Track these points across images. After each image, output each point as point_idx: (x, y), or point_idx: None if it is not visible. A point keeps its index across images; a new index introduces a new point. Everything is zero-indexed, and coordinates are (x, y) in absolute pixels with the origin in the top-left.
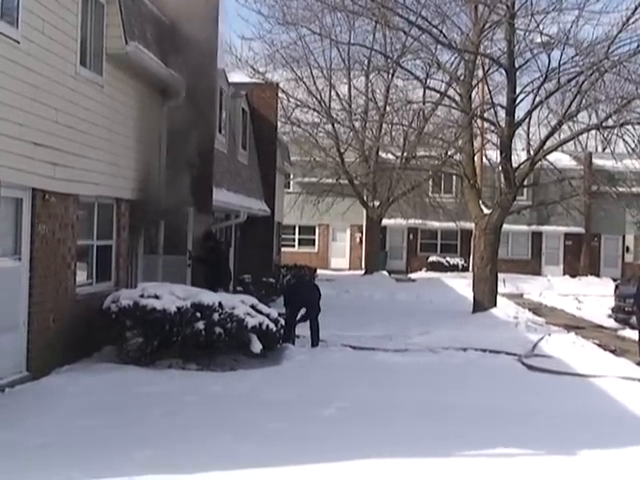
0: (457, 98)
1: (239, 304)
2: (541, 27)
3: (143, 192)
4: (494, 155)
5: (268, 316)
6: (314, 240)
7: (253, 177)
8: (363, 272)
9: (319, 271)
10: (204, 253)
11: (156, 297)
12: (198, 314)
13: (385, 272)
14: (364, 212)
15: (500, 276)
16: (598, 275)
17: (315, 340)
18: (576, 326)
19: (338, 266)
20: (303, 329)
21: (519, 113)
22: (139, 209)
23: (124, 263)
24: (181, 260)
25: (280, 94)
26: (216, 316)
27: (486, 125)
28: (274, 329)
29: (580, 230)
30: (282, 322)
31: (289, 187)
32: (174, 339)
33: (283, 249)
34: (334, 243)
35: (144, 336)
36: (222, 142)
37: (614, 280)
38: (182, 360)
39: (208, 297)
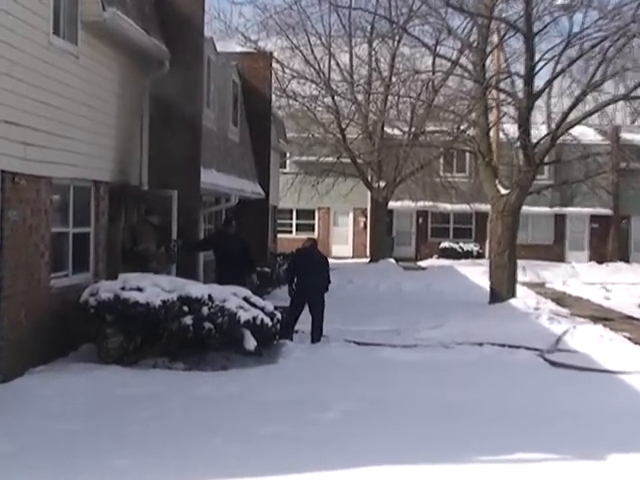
0: (470, 67)
1: (231, 296)
2: None
3: (124, 174)
4: (511, 129)
5: (263, 309)
6: (313, 225)
7: (245, 156)
8: (368, 260)
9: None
10: (203, 241)
11: (139, 289)
12: (185, 308)
13: (392, 260)
14: (368, 194)
15: (519, 263)
16: (627, 261)
17: (316, 335)
18: (604, 317)
19: (340, 254)
20: (303, 323)
21: (538, 83)
22: (119, 193)
23: (103, 252)
24: (163, 251)
25: (274, 64)
26: (205, 310)
27: (502, 96)
28: (270, 324)
29: (607, 211)
30: (278, 316)
31: (285, 167)
32: (159, 336)
33: (279, 235)
34: (336, 228)
35: (126, 333)
36: (210, 118)
37: None
38: (168, 359)
39: (196, 289)
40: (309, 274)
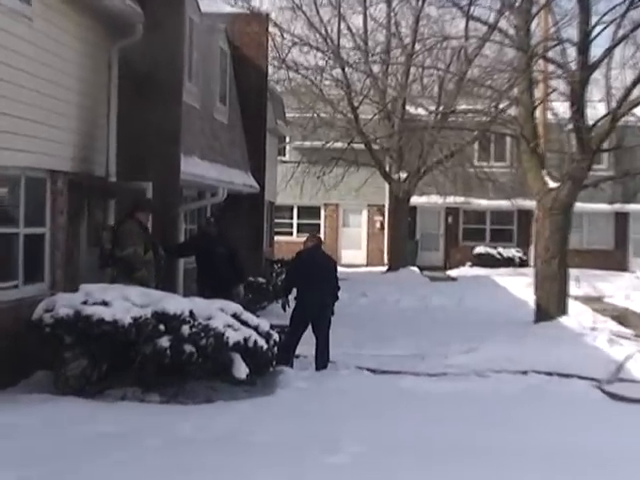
0: (511, 32)
1: (217, 313)
2: None
3: (87, 162)
4: (562, 108)
5: (256, 329)
6: (319, 225)
7: (236, 141)
8: (386, 269)
9: None
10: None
11: (104, 304)
12: (161, 327)
13: (415, 268)
14: (386, 187)
15: (572, 273)
16: None
17: (321, 361)
18: None
19: (352, 261)
20: (306, 346)
21: (595, 52)
22: (82, 186)
23: (62, 259)
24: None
25: (272, 28)
26: (186, 329)
27: (550, 68)
28: (265, 346)
29: None
30: (276, 337)
31: (284, 154)
32: (130, 361)
33: (277, 238)
34: (346, 230)
35: (89, 357)
36: (193, 93)
37: None
38: (141, 389)
39: (175, 304)
40: (313, 283)
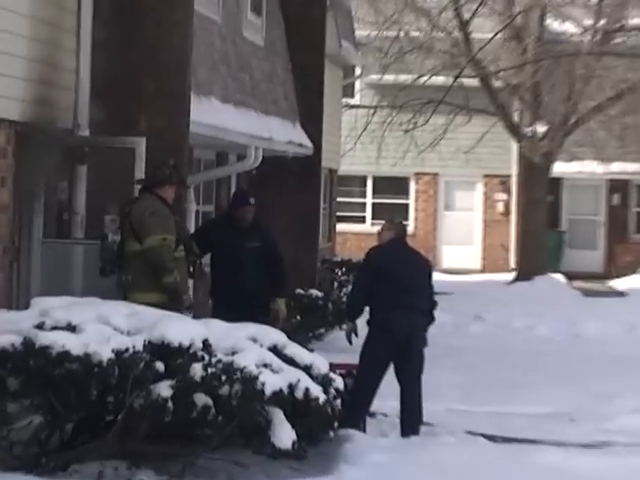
0: None
1: (247, 344)
2: None
3: (44, 107)
4: None
5: (309, 370)
6: (406, 208)
7: (277, 74)
8: (513, 277)
9: None
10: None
11: (71, 329)
12: (160, 365)
13: (559, 276)
14: (513, 148)
15: None
16: None
17: (411, 422)
18: None
19: (458, 264)
20: (386, 398)
21: None
22: (36, 143)
23: (4, 256)
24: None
25: None
26: (198, 370)
27: None
28: (322, 398)
29: None
30: (339, 384)
31: (353, 94)
32: (109, 418)
33: (341, 227)
34: (449, 215)
35: (46, 411)
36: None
37: None
38: (126, 463)
39: (180, 329)
40: (394, 297)
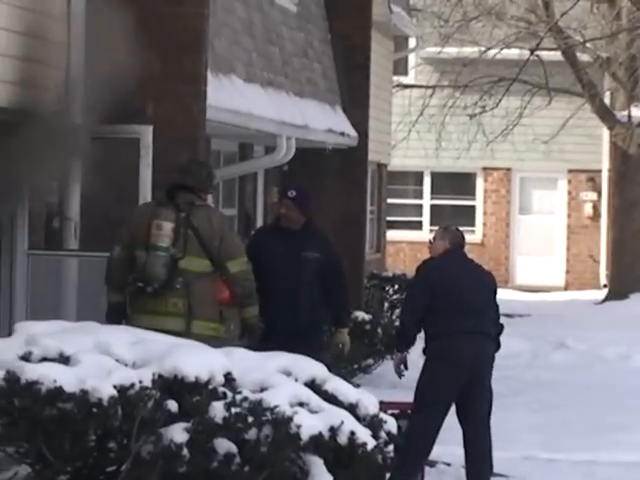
0: None
1: (278, 379)
2: None
3: (29, 90)
4: None
5: (354, 410)
6: (472, 210)
7: (313, 48)
8: (604, 296)
9: None
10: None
11: (63, 360)
12: (172, 404)
13: None
14: (604, 136)
15: None
16: None
17: (479, 474)
18: None
19: (535, 279)
20: (448, 443)
21: None
22: (21, 133)
23: None
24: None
25: None
26: (219, 409)
27: None
28: (370, 443)
29: None
30: (391, 426)
31: (406, 72)
32: (111, 469)
33: (392, 234)
34: (525, 219)
35: (35, 459)
36: None
37: None
38: None
39: (197, 360)
40: (457, 317)
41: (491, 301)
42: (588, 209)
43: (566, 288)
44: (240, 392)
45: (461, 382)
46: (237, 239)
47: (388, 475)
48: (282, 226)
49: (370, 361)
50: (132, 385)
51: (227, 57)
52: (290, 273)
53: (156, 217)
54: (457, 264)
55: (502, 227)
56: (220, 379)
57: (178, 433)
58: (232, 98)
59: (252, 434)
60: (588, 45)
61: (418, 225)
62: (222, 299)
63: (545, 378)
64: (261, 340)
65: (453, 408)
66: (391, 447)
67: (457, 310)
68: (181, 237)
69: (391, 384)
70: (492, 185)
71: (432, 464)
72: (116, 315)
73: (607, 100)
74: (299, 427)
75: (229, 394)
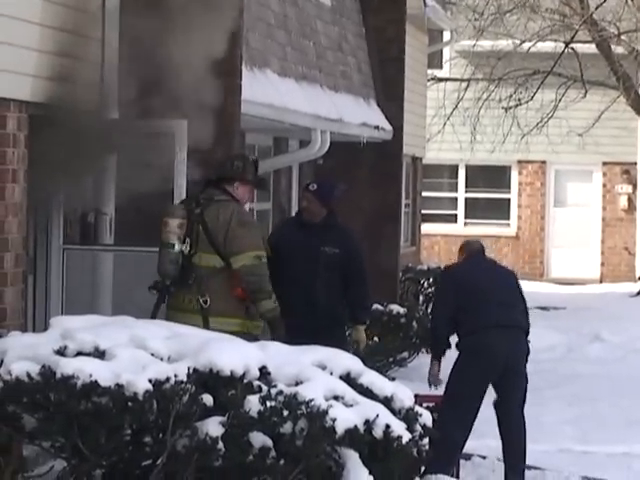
0: None
1: (313, 372)
2: None
3: (64, 85)
4: None
5: (389, 403)
6: (507, 203)
7: (347, 42)
8: (639, 289)
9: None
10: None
11: (99, 354)
12: (207, 398)
13: None
14: (639, 127)
15: None
16: None
17: (515, 464)
18: None
19: (570, 272)
20: (484, 436)
21: None
22: (56, 128)
23: (16, 266)
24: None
25: None
26: (254, 403)
27: None
28: (405, 437)
29: None
30: (426, 419)
31: (441, 65)
32: (146, 462)
33: (427, 227)
34: (560, 212)
35: (71, 454)
36: None
37: None
38: None
39: (232, 354)
40: (489, 311)
41: (518, 295)
42: (623, 201)
43: (601, 281)
44: (275, 386)
45: (494, 376)
46: (248, 233)
47: (423, 468)
48: (303, 219)
49: (405, 354)
50: (167, 379)
51: (261, 51)
52: (307, 268)
53: (164, 214)
54: (478, 264)
55: (537, 220)
56: (255, 373)
57: (213, 427)
58: (267, 92)
59: (287, 428)
60: (623, 37)
61: (453, 218)
62: (236, 295)
63: (580, 371)
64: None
65: (488, 400)
66: (426, 440)
67: (488, 305)
68: (194, 233)
69: (426, 377)
70: (527, 178)
71: (467, 457)
72: None
73: None
74: (334, 420)
75: (264, 388)
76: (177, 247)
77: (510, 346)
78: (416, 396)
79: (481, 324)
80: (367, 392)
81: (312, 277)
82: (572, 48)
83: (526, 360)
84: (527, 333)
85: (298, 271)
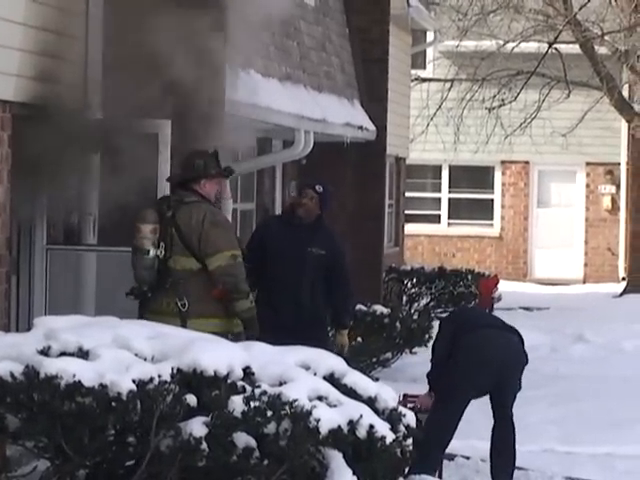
0: None
1: (297, 372)
2: None
3: (47, 85)
4: None
5: (372, 404)
6: (490, 204)
7: (331, 42)
8: (622, 289)
9: (507, 287)
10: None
11: (82, 355)
12: (191, 398)
13: None
14: (623, 129)
15: None
16: None
17: (502, 466)
18: None
19: (554, 272)
20: (467, 436)
21: None
22: (40, 128)
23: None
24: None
25: None
26: (238, 403)
27: None
28: (389, 437)
29: None
30: (409, 420)
31: (424, 66)
32: (129, 463)
33: (410, 228)
34: (543, 212)
35: (54, 454)
36: None
37: None
38: None
39: (216, 354)
40: (478, 323)
41: (519, 360)
42: (606, 202)
43: (584, 281)
44: (259, 386)
45: (487, 379)
46: (222, 233)
47: (407, 469)
48: (294, 218)
49: (388, 355)
50: (151, 379)
51: (245, 51)
52: (294, 267)
53: (136, 220)
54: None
55: (520, 220)
56: (239, 373)
57: (197, 427)
58: (250, 92)
59: (271, 428)
60: (606, 38)
61: (436, 219)
62: (215, 295)
63: (564, 371)
64: (264, 334)
65: (474, 401)
66: (410, 441)
67: (479, 323)
68: (167, 237)
69: (410, 378)
70: (510, 178)
71: (451, 458)
72: None
73: (625, 93)
74: (318, 421)
75: (248, 388)
76: (152, 252)
77: (503, 352)
78: (404, 396)
79: (475, 326)
80: (351, 392)
81: (298, 276)
82: (556, 48)
83: (521, 363)
84: (522, 341)
85: (285, 269)
